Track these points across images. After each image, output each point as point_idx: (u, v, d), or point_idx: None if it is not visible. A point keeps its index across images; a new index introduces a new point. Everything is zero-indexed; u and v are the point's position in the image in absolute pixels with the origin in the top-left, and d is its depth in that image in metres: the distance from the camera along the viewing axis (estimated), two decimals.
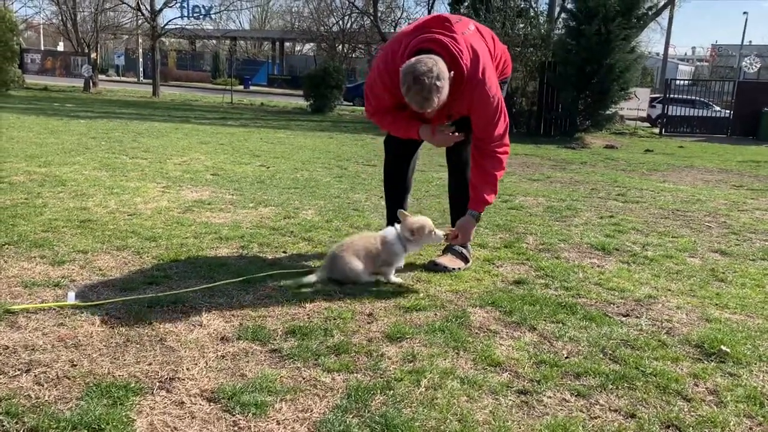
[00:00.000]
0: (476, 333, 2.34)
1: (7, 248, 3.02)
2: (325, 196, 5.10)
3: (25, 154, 6.46)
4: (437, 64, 2.59)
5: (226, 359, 2.00)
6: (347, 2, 29.93)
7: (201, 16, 32.17)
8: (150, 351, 2.02)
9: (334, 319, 2.38)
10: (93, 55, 26.44)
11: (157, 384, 1.82)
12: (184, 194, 4.77)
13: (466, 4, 19.32)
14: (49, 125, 10.03)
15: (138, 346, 2.06)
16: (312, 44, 43.96)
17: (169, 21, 26.38)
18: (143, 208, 4.15)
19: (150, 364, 1.94)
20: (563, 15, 17.38)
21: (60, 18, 27.21)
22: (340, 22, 31.23)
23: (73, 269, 2.79)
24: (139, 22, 26.70)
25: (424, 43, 2.70)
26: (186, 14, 30.04)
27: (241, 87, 36.52)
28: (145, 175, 5.61)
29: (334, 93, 20.80)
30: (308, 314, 2.43)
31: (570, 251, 3.71)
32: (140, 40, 34.46)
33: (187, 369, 1.92)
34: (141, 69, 38.09)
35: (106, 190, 4.68)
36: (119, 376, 1.85)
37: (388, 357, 2.07)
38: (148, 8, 24.73)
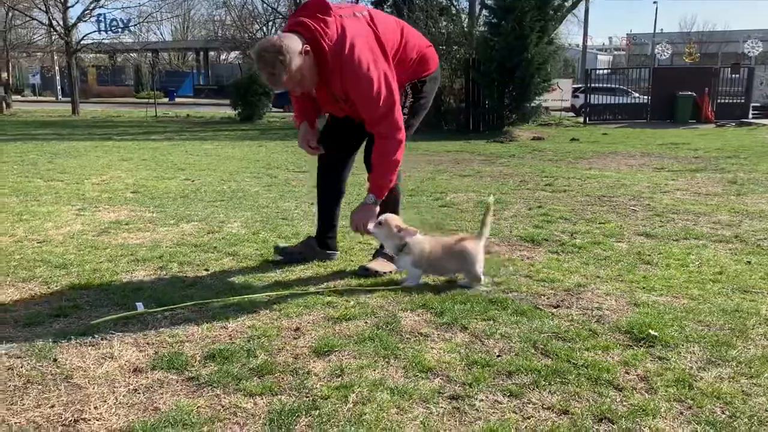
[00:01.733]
0: (407, 338, 2.27)
1: None
2: (253, 207, 4.94)
3: None
4: (284, 41, 2.66)
5: (139, 393, 1.85)
6: (269, 8, 29.57)
7: (119, 30, 31.10)
8: (54, 391, 1.85)
9: (258, 337, 2.26)
10: (4, 75, 25.11)
11: (60, 428, 1.66)
12: (100, 216, 4.52)
13: (389, 2, 19.42)
14: None
15: (40, 387, 1.88)
16: (237, 52, 43.22)
17: (85, 36, 25.35)
18: (54, 234, 3.89)
19: (53, 406, 1.77)
20: (484, 12, 17.68)
21: None
22: (264, 28, 30.82)
23: None
24: (53, 38, 25.54)
25: (293, 27, 2.78)
26: (103, 28, 28.95)
27: (166, 100, 35.55)
28: (60, 198, 5.31)
29: (263, 100, 20.47)
30: (230, 335, 2.30)
31: (500, 245, 3.70)
32: (56, 57, 33.03)
33: (95, 408, 1.76)
34: (59, 87, 36.48)
35: (15, 217, 4.38)
36: (16, 423, 1.68)
37: (314, 374, 1.97)
38: (61, 24, 23.68)
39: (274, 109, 24.92)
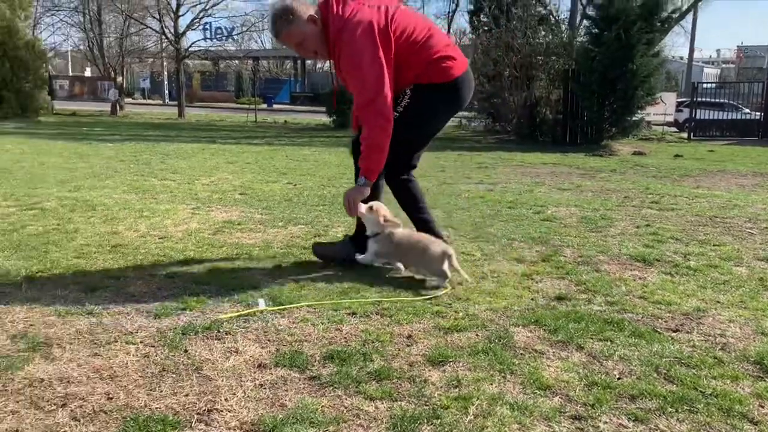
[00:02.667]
0: (521, 354, 2.24)
1: (41, 275, 3.01)
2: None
3: (55, 180, 6.53)
4: (294, 4, 3.02)
5: (265, 388, 1.94)
6: None
7: (223, 38, 32.59)
8: (186, 381, 1.97)
9: (372, 342, 2.31)
10: (119, 80, 26.93)
11: (195, 417, 1.76)
12: (213, 215, 4.75)
13: (485, 12, 19.29)
14: (78, 150, 10.16)
15: (174, 376, 2.00)
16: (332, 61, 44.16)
17: (193, 43, 26.76)
18: (174, 231, 4.13)
19: (187, 395, 1.88)
20: (585, 22, 17.24)
21: (87, 44, 27.81)
22: None
23: (106, 296, 2.75)
24: (164, 45, 27.13)
25: (320, 2, 3.11)
26: (209, 36, 30.48)
27: (264, 106, 36.89)
28: (175, 196, 5.62)
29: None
30: (345, 338, 2.35)
31: (610, 263, 3.59)
32: (165, 63, 35.04)
33: (225, 400, 1.86)
34: (166, 91, 38.70)
35: (136, 214, 4.68)
36: (156, 408, 1.79)
37: (431, 383, 1.99)
38: (172, 31, 25.12)
39: None
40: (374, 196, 3.27)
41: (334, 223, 4.58)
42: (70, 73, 42.67)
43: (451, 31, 25.28)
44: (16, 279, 2.93)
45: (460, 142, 16.10)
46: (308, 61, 52.33)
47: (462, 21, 60.66)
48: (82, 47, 30.19)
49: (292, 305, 2.68)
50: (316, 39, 3.06)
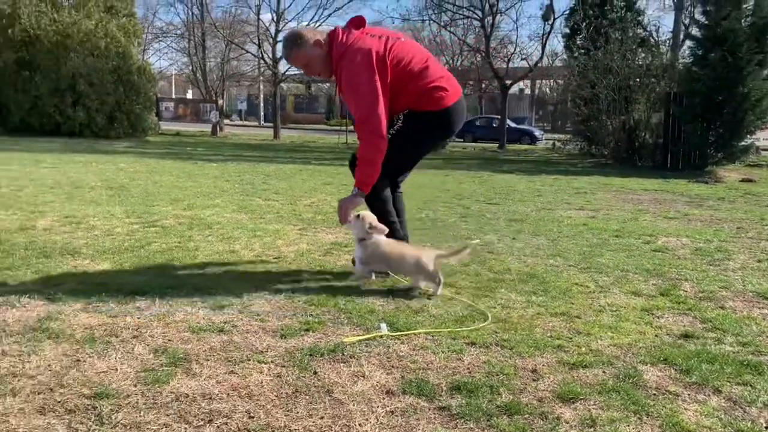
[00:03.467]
0: (654, 395, 2.15)
1: (170, 292, 3.18)
2: (455, 238, 5.03)
3: (169, 198, 6.92)
4: (303, 31, 3.52)
5: (396, 415, 1.96)
6: (458, 41, 30.19)
7: None
8: (320, 403, 2.02)
9: (497, 374, 2.28)
10: (220, 102, 28.30)
11: None
12: (321, 236, 4.88)
13: (581, 36, 18.94)
14: (185, 169, 10.73)
15: (307, 397, 2.06)
16: None
17: (289, 67, 27.73)
18: (286, 251, 4.27)
19: (322, 417, 1.93)
20: (688, 42, 16.58)
21: (191, 68, 29.46)
22: (450, 61, 31.48)
23: (232, 314, 2.88)
24: (261, 69, 28.30)
25: (330, 31, 3.52)
26: None
27: (352, 127, 37.65)
28: (281, 217, 5.82)
29: None
30: (468, 369, 2.34)
31: (735, 300, 3.39)
32: (261, 86, 36.51)
33: (359, 425, 1.89)
34: (262, 113, 40.29)
35: (249, 233, 4.87)
36: (295, 429, 1.85)
37: (565, 420, 1.95)
38: (270, 56, 26.18)
39: (456, 139, 25.27)
40: (383, 205, 3.63)
41: (439, 247, 4.58)
42: (174, 96, 45.27)
43: (544, 53, 24.91)
44: (151, 295, 3.11)
45: (554, 165, 15.80)
46: None
47: (556, 43, 59.71)
48: (186, 71, 32.03)
49: (410, 331, 2.71)
50: (321, 61, 3.45)
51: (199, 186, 8.25)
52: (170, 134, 24.77)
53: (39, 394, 1.97)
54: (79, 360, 2.26)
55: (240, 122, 42.28)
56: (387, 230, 3.39)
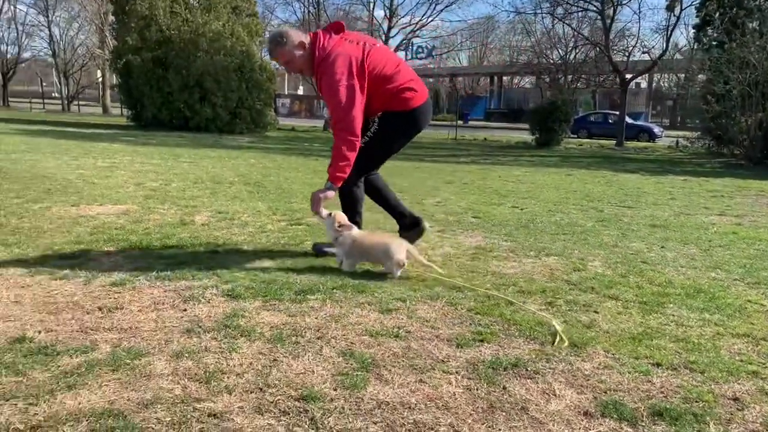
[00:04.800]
0: None
1: (337, 292, 3.27)
2: (602, 245, 4.86)
3: (302, 195, 7.14)
4: (289, 30, 3.82)
5: None
6: (573, 32, 29.16)
7: (423, 57, 33.63)
8: (518, 421, 2.00)
9: (696, 401, 2.17)
10: None
11: None
12: (461, 239, 4.86)
13: (714, 27, 17.74)
14: (309, 165, 11.06)
15: (504, 413, 2.05)
16: (531, 77, 43.58)
17: None
18: (432, 254, 4.29)
19: None
20: None
21: None
22: (567, 55, 30.50)
23: (403, 319, 2.92)
24: None
25: (312, 33, 3.81)
26: (410, 56, 31.63)
27: (460, 122, 37.43)
28: None
29: (562, 126, 20.26)
30: (662, 392, 2.24)
31: None
32: None
33: None
34: None
35: (387, 232, 4.93)
36: None
37: None
38: None
39: (570, 136, 24.50)
40: (354, 203, 4.06)
41: (587, 255, 4.44)
42: (286, 92, 46.82)
43: (668, 46, 23.55)
44: (320, 294, 3.22)
45: (680, 164, 14.94)
46: (505, 78, 52.16)
47: (680, 37, 56.19)
48: None
49: (587, 345, 2.63)
50: (303, 60, 3.75)
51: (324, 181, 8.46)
52: (286, 129, 25.65)
53: (251, 393, 2.08)
54: (276, 360, 2.37)
55: None
56: (353, 227, 3.76)
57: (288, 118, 28.87)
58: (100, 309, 2.89)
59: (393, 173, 10.23)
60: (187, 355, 2.38)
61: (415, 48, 32.78)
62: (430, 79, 47.29)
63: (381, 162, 4.17)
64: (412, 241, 4.03)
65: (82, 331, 2.59)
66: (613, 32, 26.86)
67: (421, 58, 33.89)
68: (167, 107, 19.81)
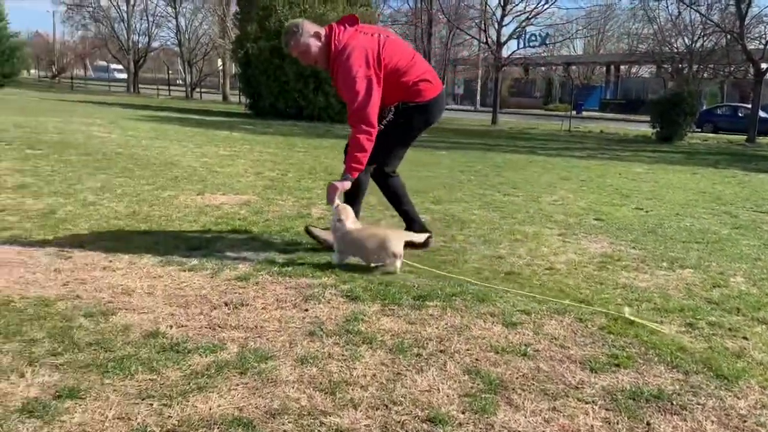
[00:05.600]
0: None
1: (456, 300, 3.16)
2: (741, 257, 4.44)
3: (413, 189, 7.06)
4: (304, 22, 3.83)
5: None
6: (702, 18, 27.13)
7: (536, 45, 32.54)
8: None
9: None
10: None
11: None
12: (585, 245, 4.60)
13: None
14: (421, 159, 10.96)
15: None
16: (650, 66, 41.15)
17: (513, 52, 27.28)
18: (554, 261, 4.08)
19: None
20: None
21: None
22: (695, 44, 28.46)
23: (526, 334, 2.77)
24: (483, 54, 28.17)
25: (326, 26, 3.81)
26: (522, 45, 30.72)
27: (573, 113, 36.07)
28: (531, 217, 5.63)
29: (687, 120, 18.96)
30: None
31: None
32: (480, 71, 36.41)
33: None
34: (478, 97, 40.26)
35: (508, 236, 4.76)
36: None
37: None
38: (494, 41, 25.91)
39: (695, 130, 22.89)
40: (357, 191, 3.94)
41: (726, 269, 4.06)
42: None
43: None
44: (439, 301, 3.13)
45: None
46: (622, 67, 49.61)
47: None
48: None
49: (739, 378, 2.37)
50: (318, 51, 3.76)
51: (435, 176, 8.36)
52: None
53: (377, 410, 2.02)
54: (399, 373, 2.30)
55: (455, 106, 42.69)
56: (353, 225, 3.66)
57: None
58: (226, 304, 2.95)
59: (506, 167, 9.96)
60: (311, 360, 2.36)
61: (527, 36, 31.84)
62: (543, 68, 45.84)
63: (397, 152, 4.10)
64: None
65: (210, 328, 2.65)
66: (748, 18, 24.71)
67: (534, 46, 32.81)
68: (283, 96, 20.37)
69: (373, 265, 3.64)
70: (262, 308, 2.93)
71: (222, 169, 7.75)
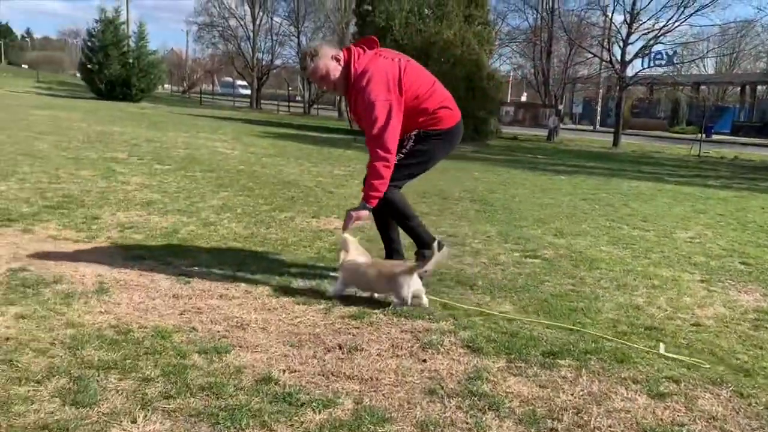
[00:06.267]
0: None
1: (590, 358, 2.82)
2: None
3: (533, 218, 6.70)
4: (322, 45, 3.76)
5: None
6: None
7: (662, 64, 30.76)
8: None
9: None
10: (560, 107, 27.83)
11: None
12: (734, 296, 4.07)
13: None
14: (537, 182, 10.53)
15: None
16: None
17: (639, 71, 25.92)
18: (701, 315, 3.60)
19: None
20: None
21: (533, 72, 29.61)
22: None
23: (678, 409, 2.38)
24: (604, 73, 27.01)
25: (345, 48, 3.69)
26: (648, 64, 29.13)
27: (702, 136, 33.72)
28: (666, 257, 5.10)
29: None
30: None
31: None
32: (600, 90, 34.96)
33: None
34: (598, 117, 38.63)
35: (644, 280, 4.30)
36: None
37: None
38: (618, 59, 24.75)
39: None
40: (402, 214, 3.89)
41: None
42: (508, 100, 46.26)
43: None
44: (571, 359, 2.80)
45: None
46: (759, 87, 45.93)
47: None
48: (528, 76, 32.40)
49: None
50: (336, 74, 3.63)
51: (557, 204, 7.92)
52: (508, 138, 25.15)
53: None
54: None
55: (573, 126, 41.21)
56: (354, 262, 3.50)
57: (510, 126, 28.36)
58: (340, 347, 2.79)
59: (632, 196, 9.28)
60: (431, 427, 2.13)
61: (653, 54, 30.18)
62: (668, 88, 43.32)
63: (414, 177, 3.96)
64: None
65: (323, 375, 2.49)
66: None
67: (660, 65, 31.06)
68: None
69: (376, 296, 3.51)
70: (377, 354, 2.74)
71: (336, 189, 7.75)
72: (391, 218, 3.96)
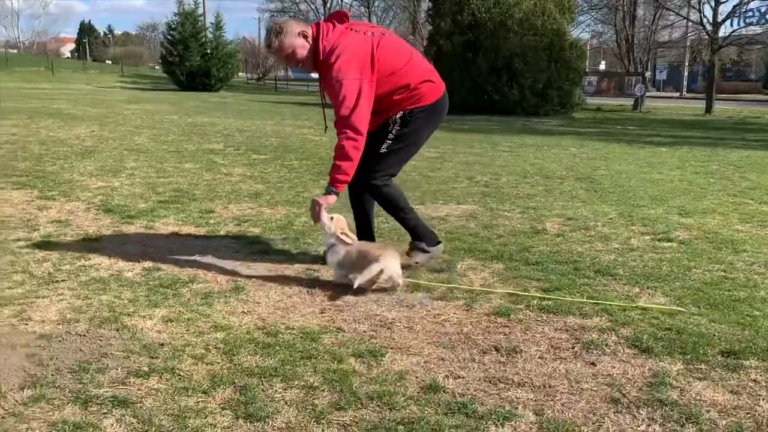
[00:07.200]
0: None
1: (746, 351, 2.54)
2: None
3: (648, 195, 6.31)
4: (288, 22, 3.55)
5: None
6: None
7: (754, 21, 28.62)
8: None
9: None
10: (647, 74, 26.47)
11: None
12: None
13: None
14: (638, 155, 9.95)
15: None
16: None
17: (733, 31, 24.22)
18: None
19: None
20: None
21: (616, 40, 28.27)
22: None
23: None
24: (698, 35, 25.44)
25: (314, 24, 3.50)
26: (738, 24, 27.15)
27: None
28: None
29: None
30: None
31: None
32: (687, 54, 33.02)
33: None
34: (685, 83, 36.58)
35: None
36: None
37: None
38: (711, 20, 23.22)
39: None
40: (389, 201, 3.71)
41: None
42: (587, 69, 44.44)
43: None
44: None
45: None
46: None
47: None
48: (610, 43, 30.96)
49: None
50: (303, 52, 3.43)
51: (668, 179, 7.43)
52: (591, 109, 24.09)
53: None
54: None
55: (657, 93, 39.14)
56: (351, 242, 3.36)
57: (594, 96, 27.21)
58: (496, 349, 2.62)
59: (746, 166, 8.55)
60: None
61: (746, 12, 28.11)
62: (758, 46, 40.45)
63: (406, 160, 3.77)
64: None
65: (489, 382, 2.33)
66: None
67: (750, 24, 28.94)
68: (475, 90, 20.00)
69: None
70: (539, 357, 2.56)
71: (433, 173, 7.55)
72: (387, 212, 3.80)
